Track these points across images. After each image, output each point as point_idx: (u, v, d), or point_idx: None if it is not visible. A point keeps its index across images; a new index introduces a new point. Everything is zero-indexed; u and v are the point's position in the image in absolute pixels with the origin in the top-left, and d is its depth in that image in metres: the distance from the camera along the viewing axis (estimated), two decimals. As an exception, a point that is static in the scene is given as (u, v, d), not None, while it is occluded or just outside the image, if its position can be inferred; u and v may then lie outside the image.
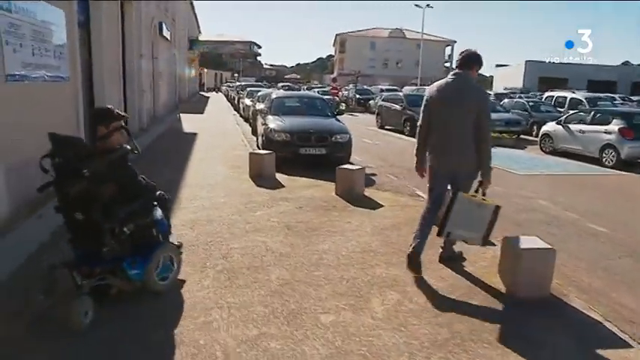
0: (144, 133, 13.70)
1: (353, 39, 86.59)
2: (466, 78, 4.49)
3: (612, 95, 28.58)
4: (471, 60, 4.51)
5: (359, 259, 4.92)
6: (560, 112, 21.39)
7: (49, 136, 3.25)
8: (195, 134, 15.87)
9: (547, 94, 26.25)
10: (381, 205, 7.08)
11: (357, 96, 35.22)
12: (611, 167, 12.97)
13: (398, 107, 19.83)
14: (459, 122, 4.36)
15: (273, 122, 10.81)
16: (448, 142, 4.43)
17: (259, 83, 43.49)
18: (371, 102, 31.79)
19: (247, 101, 21.65)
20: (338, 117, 11.69)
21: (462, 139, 4.36)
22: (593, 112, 14.66)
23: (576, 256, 5.71)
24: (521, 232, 5.71)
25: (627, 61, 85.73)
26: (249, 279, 4.31)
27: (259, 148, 10.93)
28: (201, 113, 26.49)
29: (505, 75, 71.91)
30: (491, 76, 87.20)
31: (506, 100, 24.29)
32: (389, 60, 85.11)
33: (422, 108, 4.61)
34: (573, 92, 25.05)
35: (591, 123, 14.21)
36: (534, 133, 19.95)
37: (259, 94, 19.28)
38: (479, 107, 4.38)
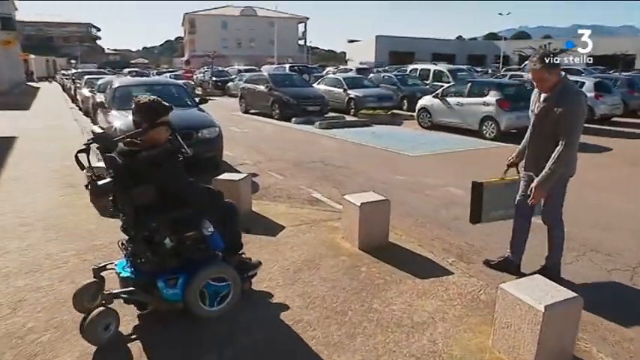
0: None
1: (203, 18, 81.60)
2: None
3: (470, 66, 29.91)
4: None
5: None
6: (427, 84, 21.35)
7: (92, 132, 2.96)
8: (12, 139, 11.99)
9: (411, 66, 26.31)
10: (281, 227, 5.10)
11: (214, 78, 32.38)
12: (492, 139, 12.64)
13: (263, 88, 17.81)
14: None
15: (118, 119, 8.06)
16: None
17: (101, 70, 37.88)
18: (229, 84, 29.32)
19: (85, 92, 17.87)
20: (201, 106, 9.28)
21: None
22: (470, 85, 14.21)
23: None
24: (465, 239, 5.02)
25: (460, 36, 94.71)
26: None
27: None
28: (26, 109, 21.46)
29: (357, 50, 73.88)
30: (344, 52, 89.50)
31: (372, 75, 23.69)
32: (242, 39, 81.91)
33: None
34: (435, 64, 25.42)
35: (469, 95, 13.73)
36: (405, 107, 19.55)
37: (99, 82, 15.87)
38: None
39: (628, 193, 7.43)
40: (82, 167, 2.87)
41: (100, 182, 2.91)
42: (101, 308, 2.92)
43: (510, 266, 4.31)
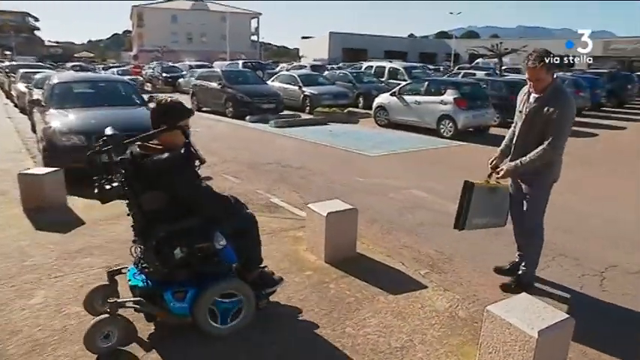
0: None
1: (152, 11, 78.83)
2: None
3: (423, 64, 30.23)
4: None
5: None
6: (382, 82, 21.33)
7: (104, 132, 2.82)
8: None
9: (366, 64, 26.23)
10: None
11: (164, 74, 31.20)
12: (450, 138, 12.68)
13: (216, 85, 17.20)
14: None
15: (58, 119, 7.38)
16: None
17: (41, 64, 35.63)
18: (180, 80, 28.30)
19: (21, 87, 16.64)
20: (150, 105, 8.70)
21: None
22: (427, 83, 14.21)
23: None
24: (433, 246, 4.81)
25: (412, 34, 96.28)
26: None
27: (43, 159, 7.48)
28: (-50, 106, 19.85)
29: (311, 46, 73.56)
30: (297, 48, 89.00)
31: (327, 72, 23.47)
32: (193, 34, 79.75)
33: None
34: (390, 62, 25.47)
35: (426, 94, 13.72)
36: (361, 104, 19.46)
37: (37, 77, 14.77)
38: None
39: (583, 194, 7.48)
40: (93, 170, 2.75)
41: (108, 186, 2.74)
42: (104, 316, 2.79)
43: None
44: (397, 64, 24.16)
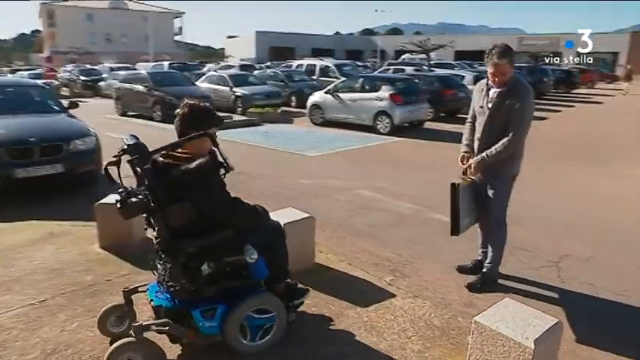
0: None
1: (64, 10, 73.70)
2: None
3: (352, 61, 30.42)
4: None
5: None
6: (314, 80, 21.20)
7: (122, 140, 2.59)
8: None
9: (296, 62, 25.96)
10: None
11: (82, 77, 29.22)
12: (387, 134, 12.75)
13: (142, 88, 16.24)
14: None
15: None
16: None
17: None
18: (101, 84, 26.62)
19: None
20: (70, 112, 7.87)
21: None
22: (361, 80, 14.21)
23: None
24: (391, 248, 4.69)
25: (338, 32, 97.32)
26: None
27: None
28: None
29: (237, 46, 72.35)
30: (223, 48, 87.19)
31: (257, 71, 23.00)
32: (112, 34, 75.65)
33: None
34: (321, 60, 25.38)
35: (361, 91, 13.72)
36: (293, 103, 19.21)
37: None
38: None
39: (525, 183, 7.66)
40: (112, 181, 2.52)
41: (131, 200, 2.56)
42: (126, 340, 2.54)
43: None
44: (328, 62, 24.15)
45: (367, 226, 5.58)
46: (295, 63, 25.55)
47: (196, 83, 18.64)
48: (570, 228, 5.65)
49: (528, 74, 20.64)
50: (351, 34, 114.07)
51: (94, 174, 6.93)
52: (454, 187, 3.82)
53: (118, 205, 2.58)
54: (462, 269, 4.29)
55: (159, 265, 2.73)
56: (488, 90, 3.72)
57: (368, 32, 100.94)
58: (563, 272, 4.40)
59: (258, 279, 2.80)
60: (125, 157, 2.54)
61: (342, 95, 13.99)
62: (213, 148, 2.63)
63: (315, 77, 21.65)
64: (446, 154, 10.48)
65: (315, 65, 22.95)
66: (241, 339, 2.74)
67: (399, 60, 36.20)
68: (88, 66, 34.76)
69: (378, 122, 13.04)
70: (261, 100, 17.21)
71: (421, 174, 8.54)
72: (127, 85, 17.36)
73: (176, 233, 2.55)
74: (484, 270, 4.03)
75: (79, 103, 8.31)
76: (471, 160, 3.85)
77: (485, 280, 3.99)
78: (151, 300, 2.74)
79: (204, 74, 22.43)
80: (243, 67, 28.00)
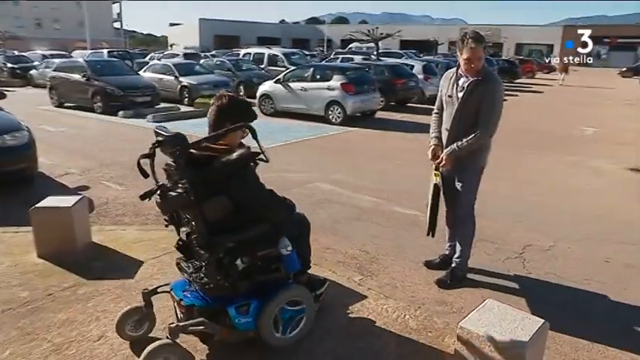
0: None
1: (-16, -8, 68.67)
2: None
3: (300, 50, 30.06)
4: None
5: None
6: (262, 69, 20.74)
7: (155, 132, 2.50)
8: None
9: (243, 51, 25.28)
10: (138, 262, 3.93)
11: (10, 65, 27.13)
12: (339, 124, 12.59)
13: (80, 77, 15.20)
14: None
15: None
16: None
17: None
18: (33, 72, 24.82)
19: None
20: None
21: None
22: (312, 69, 13.94)
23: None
24: (356, 245, 4.57)
25: (284, 20, 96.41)
26: None
27: None
28: None
29: (180, 34, 70.19)
30: (165, 36, 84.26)
31: (204, 60, 22.22)
32: (43, 19, 71.22)
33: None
34: (269, 48, 24.85)
35: (312, 80, 13.46)
36: (242, 93, 18.67)
37: None
38: None
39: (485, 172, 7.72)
40: (145, 175, 2.42)
41: (171, 194, 2.45)
42: (163, 341, 2.45)
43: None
44: (276, 51, 23.67)
45: (330, 222, 5.39)
46: (242, 52, 24.88)
47: (140, 73, 17.74)
48: (529, 217, 5.70)
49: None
50: (298, 22, 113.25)
51: (28, 173, 6.35)
52: (437, 189, 3.75)
53: (158, 199, 2.47)
54: (429, 265, 4.19)
55: (184, 264, 2.68)
56: (457, 79, 3.60)
57: (314, 21, 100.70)
58: (528, 263, 4.40)
59: (291, 271, 2.78)
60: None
61: (292, 85, 13.69)
62: (240, 141, 2.61)
63: (263, 66, 21.18)
64: (400, 145, 10.50)
65: (263, 54, 22.44)
66: (275, 332, 2.71)
67: (347, 49, 36.21)
68: (16, 53, 32.41)
69: (330, 112, 12.86)
70: (209, 90, 16.52)
71: (377, 165, 8.44)
72: (62, 75, 16.19)
73: (214, 229, 2.45)
74: (453, 265, 3.94)
75: (6, 93, 7.56)
76: (441, 153, 3.70)
77: (455, 276, 3.90)
78: (180, 299, 2.63)
79: (147, 63, 21.45)
80: (188, 55, 27.01)
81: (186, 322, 2.53)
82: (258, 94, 14.81)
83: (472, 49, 3.39)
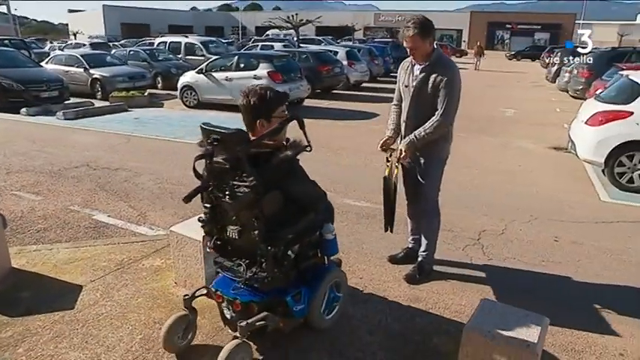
0: None
1: None
2: None
3: (218, 38, 28.98)
4: None
5: None
6: (179, 58, 19.75)
7: (202, 129, 2.46)
8: None
9: (158, 40, 23.84)
10: (76, 287, 3.39)
11: None
12: (269, 114, 12.22)
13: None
14: None
15: None
16: None
17: None
18: None
19: None
20: None
21: None
22: (237, 58, 13.38)
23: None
24: None
25: (195, 7, 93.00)
26: None
27: None
28: None
29: (83, 21, 65.51)
30: (65, 24, 78.22)
31: (115, 50, 20.75)
32: None
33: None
34: (186, 37, 23.68)
35: (237, 69, 12.94)
36: (160, 85, 17.74)
37: None
38: None
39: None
40: (199, 177, 2.46)
41: (240, 192, 2.38)
42: (236, 342, 2.43)
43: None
44: (194, 39, 22.59)
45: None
46: (157, 41, 23.48)
47: (42, 64, 16.14)
48: (476, 201, 5.77)
49: (394, 49, 21.43)
50: (210, 9, 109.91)
51: None
52: (386, 181, 3.58)
53: (229, 200, 2.40)
54: (393, 260, 4.07)
55: (229, 263, 2.62)
56: (412, 67, 3.47)
57: (227, 8, 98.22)
58: (487, 249, 4.41)
59: (332, 254, 2.92)
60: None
61: (216, 75, 13.08)
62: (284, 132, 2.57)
63: (180, 56, 20.15)
64: (334, 133, 10.37)
65: (180, 43, 21.31)
66: (324, 315, 2.84)
67: (264, 36, 35.55)
68: None
69: (259, 102, 12.43)
70: (125, 83, 15.48)
71: (317, 155, 8.18)
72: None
73: (272, 223, 2.44)
74: (420, 259, 3.83)
75: None
76: (399, 145, 3.54)
77: (423, 270, 3.80)
78: (235, 298, 2.57)
79: (47, 54, 19.64)
80: (95, 45, 25.13)
81: (253, 319, 2.49)
82: (179, 86, 14.03)
83: (406, 37, 3.28)
